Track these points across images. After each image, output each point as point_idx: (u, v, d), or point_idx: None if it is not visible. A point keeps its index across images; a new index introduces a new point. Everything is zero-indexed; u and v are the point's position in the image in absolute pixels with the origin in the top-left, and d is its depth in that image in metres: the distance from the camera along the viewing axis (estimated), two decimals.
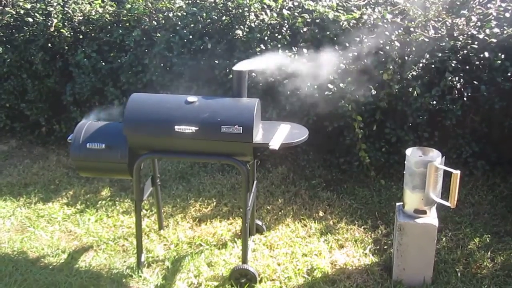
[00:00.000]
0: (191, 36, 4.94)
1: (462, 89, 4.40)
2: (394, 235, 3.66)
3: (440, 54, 4.39)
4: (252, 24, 4.76)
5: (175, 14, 5.06)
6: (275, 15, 4.76)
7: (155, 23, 5.12)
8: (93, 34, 5.36)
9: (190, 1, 5.16)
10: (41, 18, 5.43)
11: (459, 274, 3.62)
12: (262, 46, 4.67)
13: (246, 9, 4.79)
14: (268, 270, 3.72)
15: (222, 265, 3.78)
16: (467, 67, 4.42)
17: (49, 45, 5.45)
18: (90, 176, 4.92)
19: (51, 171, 5.29)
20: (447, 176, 3.32)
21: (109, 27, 5.31)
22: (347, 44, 4.52)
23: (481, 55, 4.34)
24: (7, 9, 5.59)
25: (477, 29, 4.42)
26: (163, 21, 5.13)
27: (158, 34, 5.00)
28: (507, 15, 4.40)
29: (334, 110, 4.54)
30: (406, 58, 4.48)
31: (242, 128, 3.22)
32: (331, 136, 4.89)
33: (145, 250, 3.92)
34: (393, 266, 3.58)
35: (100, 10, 5.36)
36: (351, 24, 4.60)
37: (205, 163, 5.26)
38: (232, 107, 3.34)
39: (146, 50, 5.15)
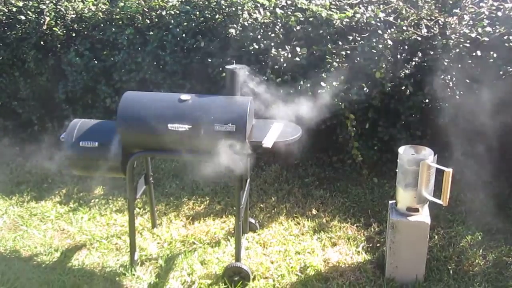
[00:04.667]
0: (184, 35, 4.94)
1: (455, 87, 4.42)
2: (387, 233, 3.67)
3: (432, 53, 4.41)
4: (245, 23, 4.77)
5: (168, 12, 5.05)
6: (268, 13, 4.77)
7: (148, 22, 5.11)
8: (85, 32, 5.34)
9: (183, 0, 5.15)
10: (34, 16, 5.40)
11: (451, 272, 3.64)
12: (255, 44, 4.67)
13: (239, 7, 4.79)
14: (261, 268, 3.72)
15: (216, 263, 3.79)
16: (460, 65, 4.44)
17: (42, 43, 5.43)
18: (83, 175, 4.90)
19: (43, 170, 5.27)
20: (439, 174, 3.34)
21: (102, 25, 5.29)
22: (340, 43, 4.53)
23: (474, 54, 4.36)
24: None
25: (469, 28, 4.44)
26: (156, 20, 5.12)
27: (151, 33, 4.99)
28: (499, 14, 4.42)
29: (327, 109, 4.55)
30: (399, 56, 4.49)
31: (235, 126, 3.22)
32: (324, 134, 4.90)
33: (138, 248, 3.92)
34: (386, 264, 3.59)
35: (93, 8, 5.35)
36: (344, 23, 4.61)
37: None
38: (225, 105, 3.34)
39: (139, 49, 5.14)
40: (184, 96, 3.36)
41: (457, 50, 4.38)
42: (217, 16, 4.91)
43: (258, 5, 4.86)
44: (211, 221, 4.36)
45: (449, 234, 4.09)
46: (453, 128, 4.58)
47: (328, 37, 4.67)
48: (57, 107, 5.66)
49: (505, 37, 4.31)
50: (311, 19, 4.71)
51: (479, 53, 4.33)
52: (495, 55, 4.30)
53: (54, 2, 5.50)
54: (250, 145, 3.33)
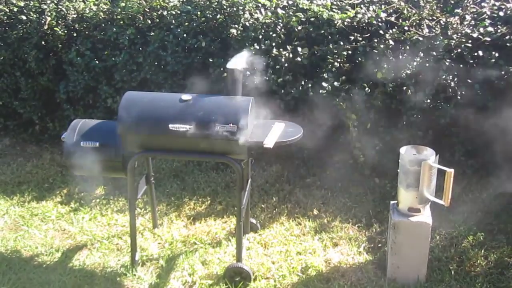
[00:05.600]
0: (185, 35, 4.93)
1: (456, 87, 4.41)
2: (388, 233, 3.67)
3: (434, 53, 4.40)
4: (247, 23, 4.76)
5: (169, 12, 5.05)
6: (269, 14, 4.76)
7: (149, 22, 5.10)
8: (87, 32, 5.33)
9: (184, 0, 5.15)
10: (35, 16, 5.40)
11: (452, 272, 3.64)
12: (256, 45, 4.67)
13: (240, 7, 4.79)
14: (262, 268, 3.72)
15: (217, 264, 3.79)
16: (461, 65, 4.43)
17: (43, 43, 5.42)
18: (84, 175, 4.90)
19: (44, 170, 5.27)
20: (441, 174, 3.33)
21: (103, 25, 5.29)
22: (341, 43, 4.53)
23: (475, 54, 4.35)
24: (0, 6, 5.56)
25: (471, 27, 4.43)
26: (157, 20, 5.12)
27: (152, 33, 4.99)
28: (501, 13, 4.41)
29: (329, 109, 4.54)
30: (400, 56, 4.48)
31: (237, 127, 3.22)
32: (325, 134, 4.89)
33: (139, 248, 3.92)
34: (387, 264, 3.59)
35: (94, 8, 5.34)
36: (345, 23, 4.60)
37: (199, 162, 5.25)
38: (226, 105, 3.34)
39: (140, 49, 5.13)
40: (185, 96, 3.36)
41: (459, 50, 4.37)
42: (218, 16, 4.90)
43: (260, 5, 4.86)
44: (212, 221, 4.36)
45: (451, 234, 4.08)
46: (455, 128, 4.58)
47: (330, 37, 4.67)
48: (58, 107, 5.66)
49: (507, 37, 4.30)
50: (312, 19, 4.71)
51: (480, 53, 4.32)
52: (496, 55, 4.30)
53: (55, 2, 5.49)
54: (251, 145, 3.33)
